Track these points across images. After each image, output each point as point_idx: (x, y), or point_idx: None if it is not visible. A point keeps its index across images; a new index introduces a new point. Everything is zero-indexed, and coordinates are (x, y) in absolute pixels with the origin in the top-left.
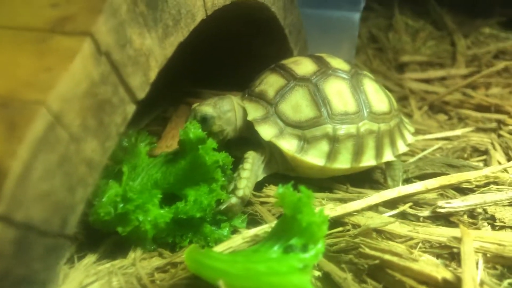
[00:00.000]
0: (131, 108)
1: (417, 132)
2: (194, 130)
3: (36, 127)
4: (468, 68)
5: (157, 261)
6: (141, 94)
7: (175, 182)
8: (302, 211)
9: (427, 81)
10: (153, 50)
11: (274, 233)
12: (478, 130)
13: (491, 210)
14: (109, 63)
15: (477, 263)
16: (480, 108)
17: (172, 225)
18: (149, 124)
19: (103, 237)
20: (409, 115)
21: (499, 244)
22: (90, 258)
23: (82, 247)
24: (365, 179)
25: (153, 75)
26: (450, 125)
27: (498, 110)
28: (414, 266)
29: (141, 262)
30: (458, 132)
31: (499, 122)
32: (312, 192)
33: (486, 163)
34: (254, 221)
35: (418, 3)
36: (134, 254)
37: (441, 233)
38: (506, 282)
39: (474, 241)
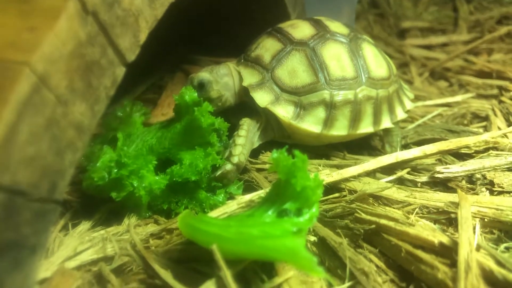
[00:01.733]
0: (120, 71)
1: (417, 98)
2: (190, 94)
3: (20, 89)
4: (470, 34)
5: (152, 228)
6: (131, 56)
7: (171, 147)
8: (296, 176)
9: (428, 47)
10: (143, 10)
11: (268, 198)
12: (479, 96)
13: (489, 175)
14: (97, 23)
15: (474, 228)
16: (481, 74)
17: (167, 192)
18: (145, 92)
19: (98, 205)
20: (410, 82)
21: (497, 209)
22: (85, 225)
23: (77, 215)
24: (363, 145)
25: (143, 36)
26: (451, 91)
27: (500, 76)
28: (411, 230)
29: (136, 229)
30: (458, 98)
31: (501, 88)
32: (307, 157)
33: (486, 129)
34: (250, 187)
35: None
36: (129, 221)
37: (438, 199)
38: (502, 246)
39: (472, 206)
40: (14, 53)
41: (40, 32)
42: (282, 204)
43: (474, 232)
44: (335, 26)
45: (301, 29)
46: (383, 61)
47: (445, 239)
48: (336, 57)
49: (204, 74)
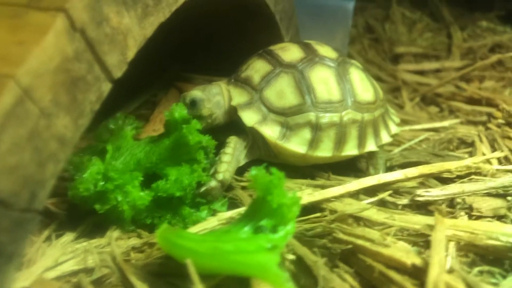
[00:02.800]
0: (106, 86)
1: (406, 123)
2: (180, 111)
3: (4, 100)
4: (463, 60)
5: (134, 241)
6: (118, 73)
7: (158, 162)
8: (273, 193)
9: (421, 72)
10: (132, 29)
11: (246, 214)
12: (468, 122)
13: (469, 200)
14: (84, 40)
15: (448, 250)
16: (471, 101)
17: (151, 207)
18: (138, 108)
19: (84, 217)
20: (400, 106)
21: (472, 233)
22: (69, 237)
23: (62, 226)
24: (349, 167)
25: (131, 54)
26: (441, 117)
27: (489, 103)
28: (385, 251)
29: (118, 242)
30: (445, 123)
31: (489, 115)
32: (284, 174)
33: (472, 155)
34: (234, 205)
35: None
36: (111, 234)
37: (417, 221)
38: (476, 269)
39: (449, 230)
40: (1, 65)
41: (27, 47)
42: (259, 221)
43: (448, 255)
44: (324, 50)
45: (291, 52)
46: (370, 85)
47: (418, 261)
48: (323, 80)
49: (196, 93)
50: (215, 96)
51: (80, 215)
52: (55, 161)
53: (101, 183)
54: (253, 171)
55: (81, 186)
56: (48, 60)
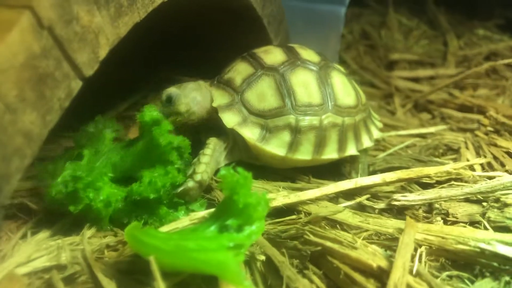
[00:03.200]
0: (76, 84)
1: (394, 128)
2: (149, 113)
3: None
4: (458, 68)
5: (108, 239)
6: (89, 71)
7: (132, 165)
8: (239, 192)
9: (415, 79)
10: (104, 29)
11: (214, 213)
12: (459, 129)
13: (445, 205)
14: (52, 37)
15: (420, 255)
16: (463, 108)
17: (129, 206)
18: (128, 109)
19: (62, 215)
20: (392, 113)
21: (443, 238)
22: (44, 234)
23: (40, 224)
24: (332, 171)
25: (103, 53)
26: (433, 124)
27: (481, 111)
28: (352, 253)
29: (92, 240)
30: (432, 129)
31: (479, 122)
32: (251, 174)
33: (456, 162)
34: (212, 206)
35: (415, 2)
36: (85, 232)
37: (391, 225)
38: (444, 274)
39: (421, 234)
40: None
41: None
42: (225, 220)
43: (417, 259)
44: (307, 54)
45: (273, 55)
46: (352, 90)
47: (383, 263)
48: (304, 83)
49: (172, 89)
50: (191, 92)
51: (59, 213)
52: (21, 156)
53: (71, 183)
54: (222, 171)
55: (53, 190)
56: (13, 57)
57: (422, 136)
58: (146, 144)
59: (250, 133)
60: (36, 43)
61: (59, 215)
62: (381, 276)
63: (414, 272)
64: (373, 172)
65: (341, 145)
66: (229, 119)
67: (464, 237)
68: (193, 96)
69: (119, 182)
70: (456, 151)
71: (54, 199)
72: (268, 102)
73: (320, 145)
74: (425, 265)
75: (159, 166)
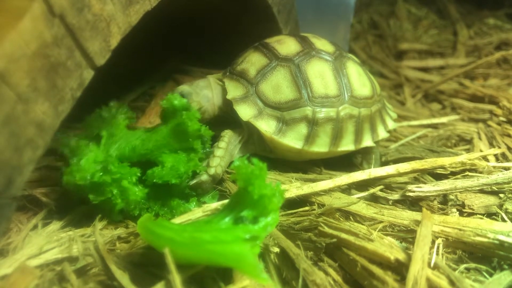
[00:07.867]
0: (88, 74)
1: (405, 119)
2: (180, 99)
3: None
4: (468, 58)
5: (120, 231)
6: (101, 60)
7: (154, 149)
8: (254, 183)
9: (425, 69)
10: (115, 17)
11: (229, 205)
12: (470, 119)
13: (461, 196)
14: (64, 25)
15: (437, 247)
16: (474, 98)
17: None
18: (135, 100)
19: (72, 207)
20: (402, 103)
21: (460, 230)
22: (55, 225)
23: (50, 215)
24: (343, 162)
25: (114, 41)
26: (443, 114)
27: (492, 101)
28: (369, 246)
29: (104, 232)
30: (444, 119)
31: (491, 112)
32: (266, 165)
33: (469, 152)
34: (224, 197)
35: None
36: (97, 223)
37: (406, 217)
38: (462, 266)
39: (437, 226)
40: None
41: (3, 31)
42: (240, 212)
43: (434, 251)
44: (321, 44)
45: (287, 45)
46: (367, 80)
47: (401, 256)
48: (320, 74)
49: (184, 87)
50: (202, 90)
51: (69, 205)
52: (33, 146)
53: (99, 174)
54: (236, 162)
55: (77, 174)
56: (25, 45)
57: (434, 126)
58: (172, 128)
59: (266, 126)
60: (48, 31)
61: (69, 206)
62: (399, 268)
63: (432, 264)
64: (386, 163)
65: (358, 137)
66: (245, 112)
67: (482, 229)
68: (204, 94)
69: (135, 165)
70: (469, 141)
71: (74, 182)
72: (284, 93)
73: (336, 137)
74: (442, 257)
75: (182, 152)
